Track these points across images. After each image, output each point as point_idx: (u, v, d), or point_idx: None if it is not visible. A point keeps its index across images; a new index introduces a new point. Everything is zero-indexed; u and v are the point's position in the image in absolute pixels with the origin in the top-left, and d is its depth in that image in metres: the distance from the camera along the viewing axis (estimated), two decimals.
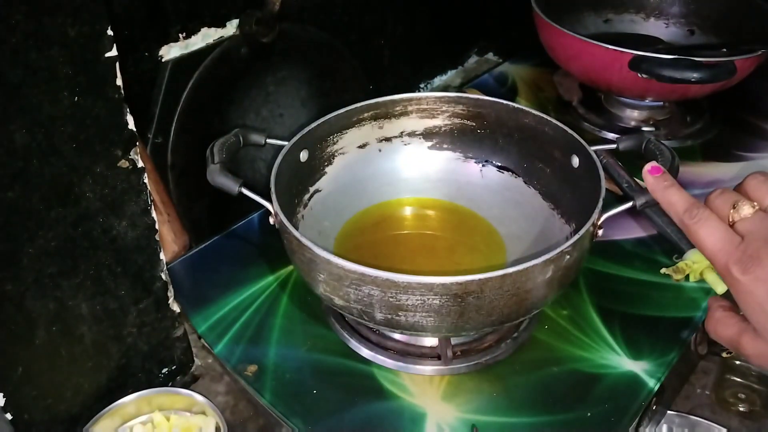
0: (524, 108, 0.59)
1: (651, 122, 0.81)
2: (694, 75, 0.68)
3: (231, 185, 0.50)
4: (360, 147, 0.63)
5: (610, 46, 0.71)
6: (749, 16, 0.81)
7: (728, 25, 0.84)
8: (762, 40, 0.73)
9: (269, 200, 0.50)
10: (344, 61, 0.81)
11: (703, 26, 0.87)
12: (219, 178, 0.50)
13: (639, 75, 0.70)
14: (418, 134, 0.64)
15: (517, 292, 0.45)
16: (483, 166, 0.64)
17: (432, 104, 0.62)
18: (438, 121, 0.63)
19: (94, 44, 0.42)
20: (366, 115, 0.61)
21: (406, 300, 0.44)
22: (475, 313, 0.45)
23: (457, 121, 0.63)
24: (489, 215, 0.62)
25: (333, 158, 0.61)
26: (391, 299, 0.45)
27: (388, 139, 0.64)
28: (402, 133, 0.64)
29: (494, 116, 0.61)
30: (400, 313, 0.46)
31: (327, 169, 0.61)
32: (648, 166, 0.43)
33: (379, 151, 0.64)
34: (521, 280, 0.45)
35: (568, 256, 0.46)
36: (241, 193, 0.50)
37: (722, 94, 0.76)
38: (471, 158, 0.64)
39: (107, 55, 0.43)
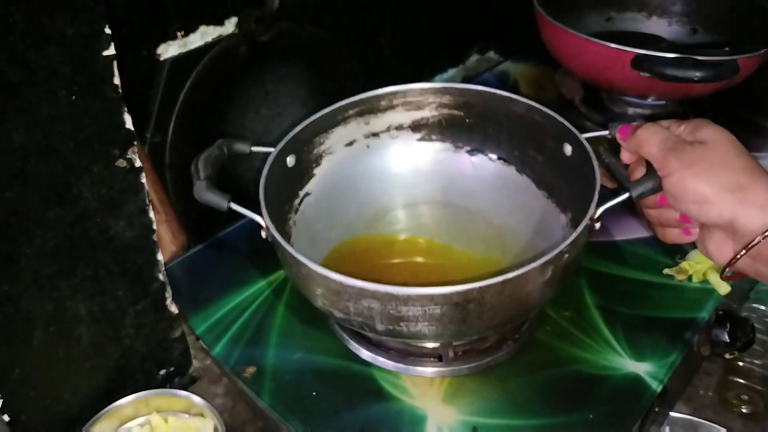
0: (513, 96, 0.58)
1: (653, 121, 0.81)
2: (697, 74, 0.67)
3: (219, 201, 0.49)
4: (347, 145, 0.62)
5: (613, 45, 0.70)
6: (752, 14, 0.80)
7: (731, 23, 0.83)
8: (765, 39, 0.72)
9: (259, 212, 0.48)
10: (344, 60, 0.81)
11: (706, 25, 0.86)
12: (206, 195, 0.49)
13: (641, 74, 0.69)
14: (406, 127, 0.63)
15: (518, 295, 0.45)
16: (473, 155, 0.63)
17: (418, 96, 0.61)
18: (425, 113, 0.62)
19: (92, 43, 0.42)
20: (351, 112, 0.60)
21: (407, 311, 0.44)
22: (477, 318, 0.45)
23: (444, 111, 0.62)
24: (482, 207, 0.62)
25: (320, 159, 0.61)
26: (391, 311, 0.44)
27: (375, 135, 0.63)
28: (389, 127, 0.63)
29: (482, 105, 0.60)
30: (401, 324, 0.45)
31: (315, 171, 0.60)
32: (617, 130, 0.52)
33: (367, 147, 0.63)
34: (521, 284, 0.44)
35: (566, 255, 0.46)
36: (230, 209, 0.49)
37: (725, 93, 0.75)
38: (461, 148, 0.63)
39: (105, 53, 0.43)
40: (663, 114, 0.81)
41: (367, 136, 0.62)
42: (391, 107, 0.62)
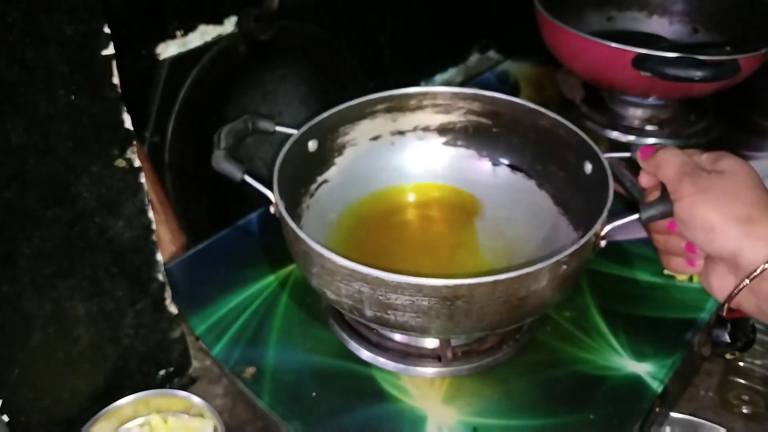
0: (540, 109, 0.58)
1: (655, 121, 0.80)
2: (698, 73, 0.67)
3: (235, 172, 0.50)
4: (372, 139, 0.62)
5: (613, 44, 0.70)
6: (753, 14, 0.80)
7: (732, 23, 0.83)
8: (766, 38, 0.72)
9: (271, 189, 0.49)
10: (344, 59, 0.80)
11: (707, 24, 0.86)
12: (223, 164, 0.50)
13: (642, 73, 0.69)
14: (433, 129, 0.63)
15: (509, 299, 0.44)
16: (496, 164, 0.63)
17: (447, 99, 0.61)
18: (453, 117, 0.62)
19: (91, 42, 0.42)
20: (380, 107, 0.60)
21: (396, 299, 0.44)
22: (464, 317, 0.45)
23: (472, 118, 0.62)
24: (497, 216, 0.61)
25: (343, 149, 0.61)
26: (380, 297, 0.44)
27: (401, 133, 0.63)
28: (416, 127, 0.63)
29: (510, 115, 0.60)
30: (389, 312, 0.45)
31: (336, 160, 0.60)
32: (639, 150, 0.52)
33: (392, 144, 0.63)
34: (514, 287, 0.44)
35: (565, 266, 0.45)
36: (243, 181, 0.50)
37: (726, 93, 0.75)
38: (485, 156, 0.63)
39: (104, 53, 0.43)
40: (664, 114, 0.81)
41: (393, 133, 0.62)
42: (420, 107, 0.61)
